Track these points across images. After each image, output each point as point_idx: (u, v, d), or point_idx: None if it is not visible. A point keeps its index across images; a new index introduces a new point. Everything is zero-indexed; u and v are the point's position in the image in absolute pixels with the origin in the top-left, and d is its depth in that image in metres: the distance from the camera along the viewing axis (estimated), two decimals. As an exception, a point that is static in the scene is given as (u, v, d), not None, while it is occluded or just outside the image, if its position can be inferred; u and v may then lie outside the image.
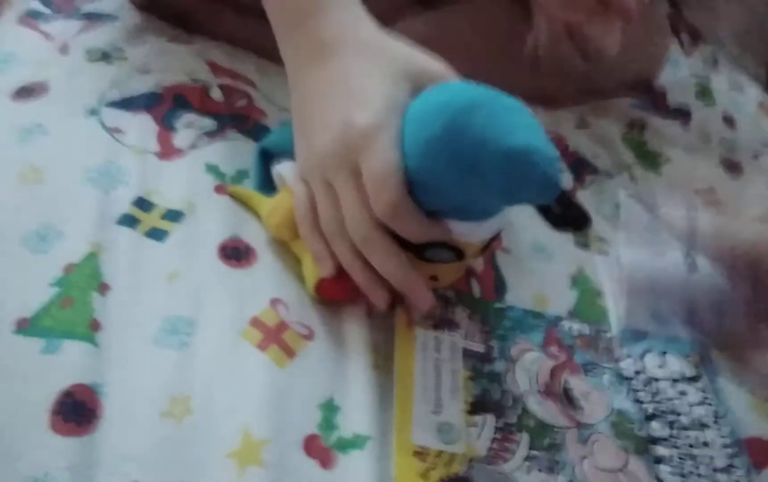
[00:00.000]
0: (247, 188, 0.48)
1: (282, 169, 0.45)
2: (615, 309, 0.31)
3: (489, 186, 0.36)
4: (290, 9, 0.41)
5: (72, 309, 0.38)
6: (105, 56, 0.55)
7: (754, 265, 0.28)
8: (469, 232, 0.40)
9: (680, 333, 0.38)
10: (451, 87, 0.38)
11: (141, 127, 0.50)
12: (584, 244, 0.55)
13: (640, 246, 0.30)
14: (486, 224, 0.40)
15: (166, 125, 0.51)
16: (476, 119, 0.35)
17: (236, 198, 0.47)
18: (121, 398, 0.36)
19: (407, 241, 0.39)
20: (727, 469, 0.40)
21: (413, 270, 0.40)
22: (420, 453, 0.37)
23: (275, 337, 0.40)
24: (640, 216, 0.30)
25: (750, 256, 0.28)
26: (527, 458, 0.38)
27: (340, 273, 0.41)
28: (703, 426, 0.42)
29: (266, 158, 0.48)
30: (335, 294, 0.42)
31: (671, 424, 0.42)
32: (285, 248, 0.45)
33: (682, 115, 0.78)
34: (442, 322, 0.44)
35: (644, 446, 0.40)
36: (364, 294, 0.41)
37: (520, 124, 0.35)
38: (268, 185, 0.47)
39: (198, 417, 0.36)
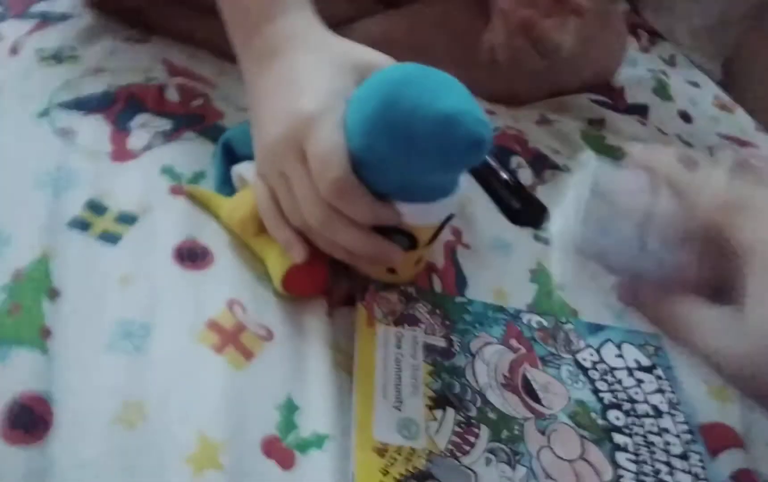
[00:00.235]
0: (205, 189, 0.47)
1: (241, 169, 0.44)
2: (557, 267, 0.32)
3: (424, 154, 0.37)
4: (244, 14, 0.42)
5: (20, 316, 0.37)
6: (56, 57, 0.54)
7: (707, 235, 0.29)
8: (418, 215, 0.41)
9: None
10: (387, 69, 0.39)
11: (93, 128, 0.49)
12: (543, 239, 0.56)
13: (591, 223, 0.31)
14: (435, 206, 0.41)
15: (119, 126, 0.50)
16: (408, 91, 0.36)
17: (194, 198, 0.46)
18: (73, 405, 0.35)
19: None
20: (684, 455, 0.41)
21: (375, 235, 0.40)
22: (381, 450, 0.36)
23: (232, 339, 0.39)
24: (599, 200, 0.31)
25: (703, 228, 0.29)
26: (487, 450, 0.38)
27: (307, 265, 0.41)
28: (659, 413, 0.43)
29: (225, 159, 0.47)
30: (302, 287, 0.43)
31: (628, 413, 0.43)
32: (243, 249, 0.45)
33: (640, 111, 0.80)
34: (403, 318, 0.44)
35: (603, 435, 0.41)
36: (329, 287, 0.42)
37: (450, 92, 0.37)
38: (227, 186, 0.46)
39: (153, 423, 0.35)
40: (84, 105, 0.50)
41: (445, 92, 0.37)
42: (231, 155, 0.47)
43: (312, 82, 0.39)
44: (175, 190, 0.47)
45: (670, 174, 0.31)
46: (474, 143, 0.37)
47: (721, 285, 0.29)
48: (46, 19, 0.58)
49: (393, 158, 0.37)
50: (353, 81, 0.39)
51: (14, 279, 0.38)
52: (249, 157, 0.45)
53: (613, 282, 0.34)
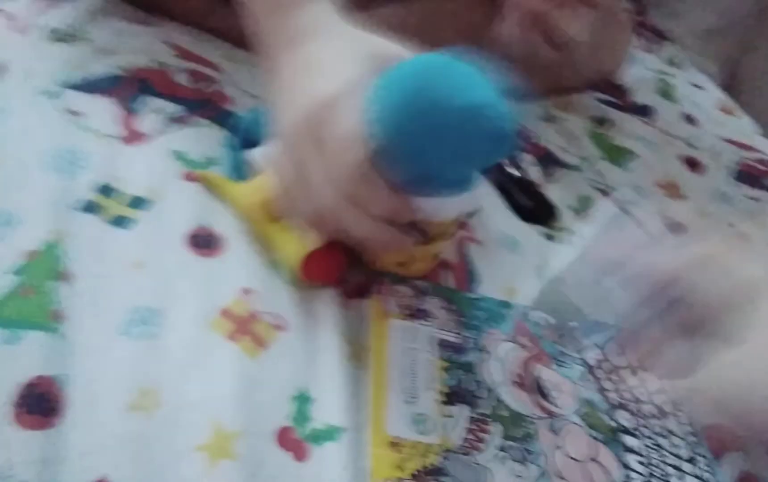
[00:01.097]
0: (218, 174, 0.47)
1: (255, 154, 0.44)
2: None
3: (446, 145, 0.37)
4: (276, 1, 0.42)
5: (33, 298, 0.36)
6: (67, 37, 0.53)
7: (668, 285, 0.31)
8: (434, 209, 0.40)
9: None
10: (413, 59, 0.39)
11: (104, 110, 0.48)
12: (551, 237, 0.56)
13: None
14: (452, 201, 0.41)
15: (130, 109, 0.49)
16: (432, 81, 0.36)
17: (206, 183, 0.46)
18: (87, 390, 0.34)
19: None
20: (691, 459, 0.41)
21: (387, 225, 0.40)
22: (395, 444, 0.36)
23: (246, 328, 0.39)
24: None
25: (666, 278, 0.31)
26: (501, 448, 0.38)
27: (324, 251, 0.40)
28: (663, 414, 0.43)
29: (237, 145, 0.47)
30: (319, 273, 0.42)
31: (634, 413, 0.43)
32: (256, 237, 0.44)
33: (645, 112, 0.80)
34: (416, 312, 0.44)
35: (613, 435, 0.41)
36: (343, 276, 0.41)
37: (475, 83, 0.37)
38: (238, 172, 0.46)
39: (167, 410, 0.35)
40: (94, 87, 0.49)
41: (470, 84, 0.36)
42: (243, 141, 0.46)
43: (331, 69, 0.39)
44: (189, 176, 0.46)
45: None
46: (497, 137, 0.37)
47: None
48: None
49: (414, 148, 0.37)
50: (371, 70, 0.39)
51: (26, 262, 0.38)
52: (260, 143, 0.44)
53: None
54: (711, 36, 1.02)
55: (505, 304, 0.47)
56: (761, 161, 0.77)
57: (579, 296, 0.33)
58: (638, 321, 0.33)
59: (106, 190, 0.43)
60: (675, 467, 0.40)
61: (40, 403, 0.33)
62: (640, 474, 0.39)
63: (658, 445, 0.41)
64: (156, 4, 0.61)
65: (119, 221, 0.42)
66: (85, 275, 0.39)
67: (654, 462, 0.40)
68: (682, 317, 0.31)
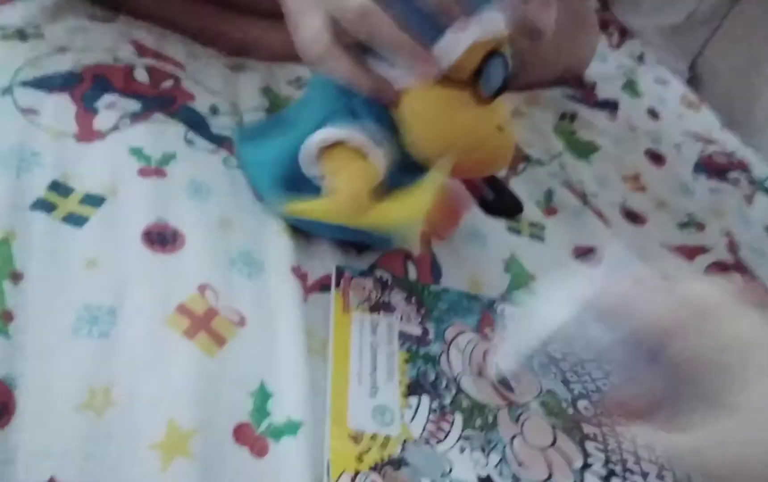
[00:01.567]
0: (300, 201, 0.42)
1: (317, 138, 0.41)
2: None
3: None
4: None
5: (-20, 298, 0.36)
6: (20, 34, 0.52)
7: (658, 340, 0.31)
8: (449, 45, 0.37)
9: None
10: None
11: (58, 107, 0.47)
12: (517, 230, 0.56)
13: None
14: (463, 31, 0.37)
15: (85, 106, 0.48)
16: None
17: (298, 214, 0.43)
18: (36, 391, 0.34)
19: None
20: (649, 445, 0.41)
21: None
22: (355, 437, 0.36)
23: (204, 324, 0.39)
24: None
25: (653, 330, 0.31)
26: (461, 438, 0.38)
27: (445, 199, 0.39)
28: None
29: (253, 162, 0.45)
30: (448, 220, 0.41)
31: (596, 403, 0.43)
32: (215, 232, 0.44)
33: (610, 107, 0.81)
34: (378, 305, 0.43)
35: (572, 424, 0.41)
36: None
37: None
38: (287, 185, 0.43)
39: (120, 409, 0.34)
40: (48, 83, 0.48)
41: None
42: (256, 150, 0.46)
43: None
44: (144, 172, 0.45)
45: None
46: None
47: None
48: (8, -5, 0.56)
49: None
50: None
51: (-27, 261, 0.37)
52: (274, 153, 0.43)
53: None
54: (675, 32, 1.04)
55: (470, 296, 0.47)
56: (721, 153, 0.79)
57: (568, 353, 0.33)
58: (627, 377, 0.32)
59: (58, 188, 0.42)
60: (631, 452, 0.40)
61: (-13, 405, 0.32)
62: (598, 459, 0.40)
63: (617, 432, 0.42)
64: (120, 2, 0.60)
65: (72, 219, 0.41)
66: (36, 274, 0.38)
67: (611, 447, 0.40)
68: (671, 374, 0.30)
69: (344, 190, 0.40)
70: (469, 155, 0.40)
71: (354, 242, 0.48)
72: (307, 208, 0.42)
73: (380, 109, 0.40)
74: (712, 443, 0.28)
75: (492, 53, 0.39)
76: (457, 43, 0.38)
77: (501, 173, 0.61)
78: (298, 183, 0.43)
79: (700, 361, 0.29)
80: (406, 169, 0.41)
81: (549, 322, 0.31)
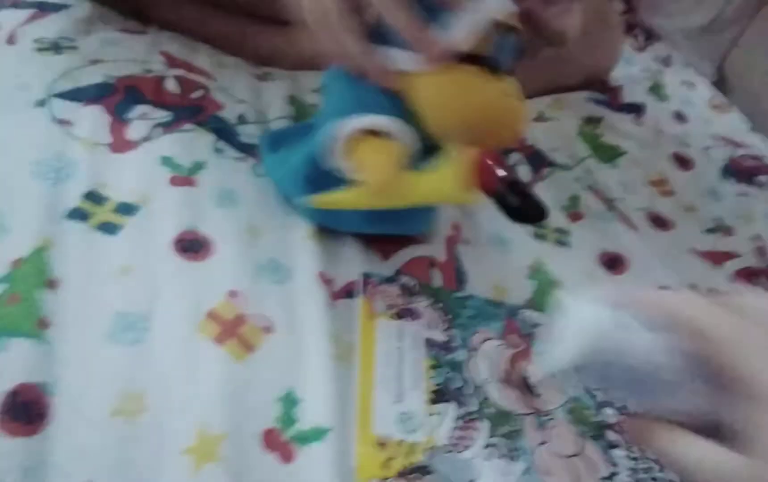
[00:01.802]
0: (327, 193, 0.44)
1: (347, 125, 0.41)
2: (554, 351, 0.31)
3: None
4: None
5: (19, 305, 0.37)
6: (54, 47, 0.54)
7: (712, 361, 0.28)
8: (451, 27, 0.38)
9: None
10: None
11: (92, 118, 0.48)
12: (541, 236, 0.56)
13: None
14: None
15: (118, 117, 0.49)
16: None
17: (327, 206, 0.44)
18: (72, 397, 0.35)
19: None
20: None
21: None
22: (381, 444, 0.36)
23: (233, 331, 0.39)
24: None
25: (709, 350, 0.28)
26: (487, 445, 0.38)
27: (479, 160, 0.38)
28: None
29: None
30: (487, 173, 0.39)
31: (621, 410, 0.43)
32: (244, 239, 0.44)
33: (636, 110, 0.80)
34: (404, 312, 0.44)
35: (599, 431, 0.41)
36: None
37: None
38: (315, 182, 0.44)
39: (152, 415, 0.35)
40: (82, 95, 0.50)
41: None
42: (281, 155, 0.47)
43: None
44: (175, 181, 0.46)
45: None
46: None
47: (720, 423, 0.28)
48: (43, 9, 0.57)
49: None
50: None
51: (12, 269, 0.38)
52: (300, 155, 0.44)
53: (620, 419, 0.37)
54: (702, 34, 1.03)
55: (495, 303, 0.47)
56: (750, 156, 0.78)
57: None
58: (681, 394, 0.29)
59: (93, 197, 0.43)
60: (657, 461, 0.40)
61: (24, 411, 0.33)
62: (625, 467, 0.39)
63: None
64: (143, 13, 0.61)
65: (106, 227, 0.42)
66: (71, 282, 0.39)
67: (638, 455, 0.40)
68: (732, 391, 0.27)
69: (372, 170, 0.40)
70: (486, 130, 0.40)
71: (382, 236, 0.48)
72: (336, 198, 0.43)
73: (392, 98, 0.41)
74: None
75: (501, 30, 0.39)
76: (465, 24, 0.38)
77: (525, 178, 0.61)
78: (325, 182, 0.43)
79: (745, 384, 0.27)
80: (424, 156, 0.41)
81: (593, 331, 0.29)
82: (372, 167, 0.41)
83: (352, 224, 0.47)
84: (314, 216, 0.47)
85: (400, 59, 0.39)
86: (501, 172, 0.39)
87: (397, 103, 0.41)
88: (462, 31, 0.38)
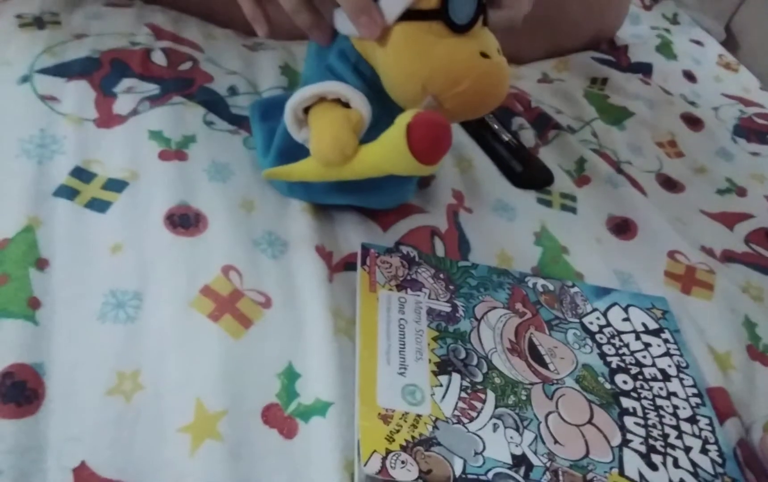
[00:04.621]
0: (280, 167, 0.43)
1: (299, 94, 0.39)
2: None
3: None
4: None
5: (7, 286, 0.36)
6: (37, 22, 0.52)
7: None
8: None
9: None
10: None
11: (77, 94, 0.47)
12: (547, 202, 0.54)
13: None
14: None
15: (104, 91, 0.48)
16: None
17: (276, 177, 0.43)
18: (65, 376, 0.34)
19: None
20: (692, 419, 0.40)
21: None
22: (385, 416, 0.35)
23: (229, 306, 0.38)
24: None
25: None
26: (494, 416, 0.37)
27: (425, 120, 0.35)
28: (667, 377, 0.42)
29: (264, 128, 0.45)
30: (433, 134, 0.35)
31: (635, 377, 0.42)
32: (238, 213, 0.43)
33: (643, 70, 0.78)
34: (405, 283, 0.42)
35: (610, 399, 0.40)
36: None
37: None
38: (272, 153, 0.44)
39: (148, 393, 0.34)
40: (67, 70, 0.48)
41: None
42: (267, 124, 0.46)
43: None
44: (164, 155, 0.45)
45: None
46: None
47: None
48: (25, -17, 0.55)
49: None
50: None
51: (0, 250, 0.37)
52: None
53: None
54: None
55: (500, 271, 0.46)
56: (761, 115, 0.75)
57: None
58: None
59: (81, 174, 0.42)
60: (674, 427, 0.39)
61: (17, 392, 0.32)
62: (638, 435, 0.38)
63: (659, 407, 0.40)
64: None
65: (95, 204, 0.41)
66: (61, 261, 0.38)
67: (652, 422, 0.39)
68: None
69: (319, 140, 0.38)
70: (453, 89, 0.36)
71: (358, 207, 0.47)
72: (287, 170, 0.41)
73: (357, 62, 0.39)
74: None
75: None
76: None
77: (529, 142, 0.59)
78: (297, 154, 0.41)
79: None
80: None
81: None
82: (319, 137, 0.38)
83: (320, 195, 0.45)
84: (289, 189, 0.45)
85: (348, 26, 0.38)
86: (445, 137, 0.35)
87: (361, 65, 0.39)
88: None
